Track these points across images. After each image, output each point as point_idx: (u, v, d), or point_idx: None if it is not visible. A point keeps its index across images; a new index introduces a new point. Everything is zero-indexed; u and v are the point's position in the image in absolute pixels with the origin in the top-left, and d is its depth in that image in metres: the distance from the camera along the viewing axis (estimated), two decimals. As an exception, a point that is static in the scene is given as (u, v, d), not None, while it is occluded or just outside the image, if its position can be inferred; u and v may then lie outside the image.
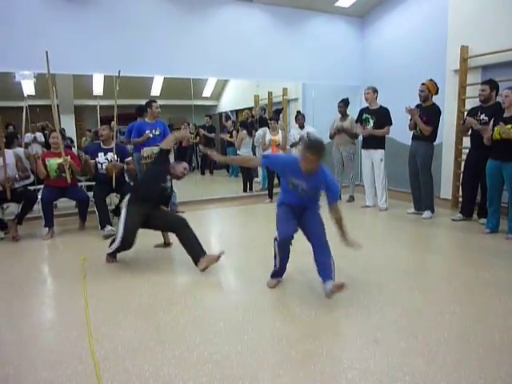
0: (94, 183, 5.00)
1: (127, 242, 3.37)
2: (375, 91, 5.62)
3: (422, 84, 5.04)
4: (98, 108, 6.02)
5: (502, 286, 2.94)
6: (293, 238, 2.76)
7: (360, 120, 5.74)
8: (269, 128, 6.44)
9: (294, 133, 6.52)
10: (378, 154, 5.61)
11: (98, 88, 7.03)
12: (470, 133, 4.76)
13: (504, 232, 4.18)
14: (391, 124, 5.52)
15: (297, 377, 1.90)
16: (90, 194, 4.85)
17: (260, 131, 6.67)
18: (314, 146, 2.61)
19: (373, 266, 3.45)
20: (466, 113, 4.94)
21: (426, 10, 6.25)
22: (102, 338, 2.28)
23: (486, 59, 5.21)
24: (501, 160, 4.05)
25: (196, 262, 3.35)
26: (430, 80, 5.04)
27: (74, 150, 6.58)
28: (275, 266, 2.98)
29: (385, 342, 2.18)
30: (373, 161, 5.69)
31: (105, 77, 6.44)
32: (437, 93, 5.07)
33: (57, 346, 2.26)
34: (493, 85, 4.50)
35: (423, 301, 2.71)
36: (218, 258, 3.30)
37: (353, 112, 6.37)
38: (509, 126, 3.92)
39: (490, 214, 4.33)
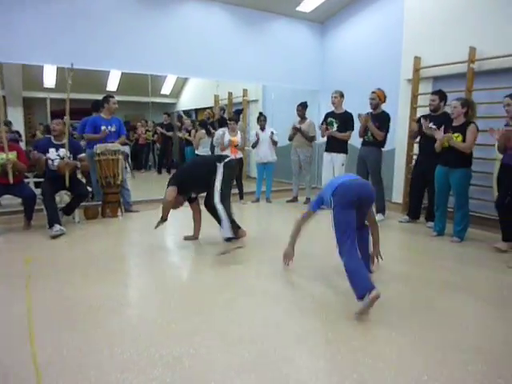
0: (42, 179, 4.75)
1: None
2: (342, 95, 5.72)
3: (373, 92, 5.22)
4: (48, 101, 5.75)
5: (445, 287, 3.08)
6: None
7: (325, 123, 5.81)
8: (228, 128, 6.42)
9: (254, 134, 6.53)
10: (340, 157, 5.71)
11: (49, 80, 6.71)
12: (418, 140, 4.98)
13: (450, 235, 4.40)
14: (353, 129, 5.64)
15: (249, 378, 1.89)
16: (38, 190, 4.61)
17: (220, 131, 6.62)
18: None
19: (321, 267, 3.50)
20: (416, 120, 5.16)
21: (382, 20, 6.48)
22: (45, 343, 2.16)
23: (436, 70, 5.47)
24: (448, 166, 4.25)
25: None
26: (379, 89, 5.26)
27: (22, 144, 6.25)
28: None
29: (335, 342, 2.22)
30: (334, 164, 5.78)
31: (57, 68, 6.16)
32: (384, 100, 5.28)
33: (-5, 352, 2.12)
34: (442, 95, 4.74)
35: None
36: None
37: (311, 115, 6.49)
38: (456, 135, 4.13)
39: (437, 217, 4.54)
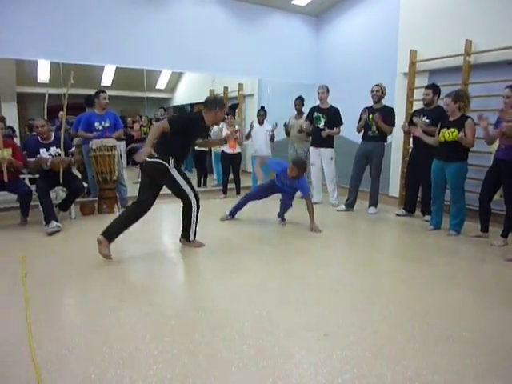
0: (37, 176, 4.71)
1: (198, 198, 3.70)
2: (328, 90, 5.73)
3: (376, 85, 5.23)
4: (47, 97, 5.69)
5: (444, 281, 3.10)
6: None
7: (310, 118, 5.82)
8: (225, 122, 6.39)
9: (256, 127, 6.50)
10: (328, 152, 5.75)
11: (43, 75, 6.63)
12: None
13: (446, 229, 4.42)
14: (342, 123, 5.67)
15: (249, 373, 1.89)
16: (34, 187, 4.57)
17: (216, 126, 6.61)
18: (299, 164, 4.37)
19: (320, 261, 3.52)
20: (403, 116, 5.19)
21: (378, 13, 6.45)
22: (43, 340, 2.16)
23: (432, 64, 5.47)
24: (444, 160, 4.26)
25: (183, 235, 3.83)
26: (378, 84, 5.28)
27: (17, 140, 6.19)
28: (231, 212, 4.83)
29: (334, 336, 2.23)
30: (322, 159, 5.82)
31: (51, 64, 6.08)
32: (384, 95, 5.31)
33: (-7, 350, 2.11)
34: (435, 89, 4.75)
35: (370, 296, 2.80)
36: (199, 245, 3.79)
37: (307, 109, 6.47)
38: (452, 130, 4.14)
39: (434, 211, 4.56)
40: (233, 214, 4.86)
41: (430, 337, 2.24)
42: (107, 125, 5.22)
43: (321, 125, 5.70)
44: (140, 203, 3.52)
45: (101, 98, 5.19)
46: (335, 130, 5.68)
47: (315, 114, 5.76)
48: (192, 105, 9.09)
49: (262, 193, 4.78)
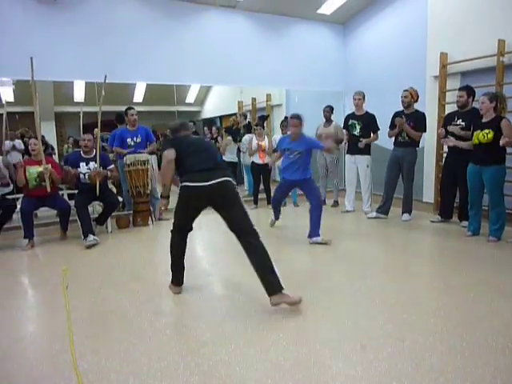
0: (75, 191, 4.90)
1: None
2: (364, 97, 5.66)
3: (405, 90, 5.15)
4: (81, 115, 5.93)
5: (485, 289, 2.98)
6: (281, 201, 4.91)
7: (346, 126, 5.75)
8: (254, 134, 6.45)
9: (277, 138, 6.54)
10: (364, 159, 5.64)
11: (79, 94, 6.92)
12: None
13: (485, 235, 4.25)
14: (379, 129, 5.56)
15: (285, 385, 1.88)
16: (72, 202, 4.76)
17: (246, 137, 6.69)
18: (294, 115, 4.20)
19: (357, 271, 3.46)
20: (436, 120, 5.05)
21: (405, 17, 6.37)
22: (85, 351, 2.23)
23: (464, 65, 5.33)
24: (480, 164, 4.12)
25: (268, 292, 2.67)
26: (411, 87, 5.18)
27: (55, 157, 6.46)
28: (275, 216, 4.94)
29: (372, 348, 2.19)
30: (358, 166, 5.73)
31: (86, 83, 6.35)
32: (417, 100, 5.19)
33: (37, 361, 2.19)
34: (469, 91, 4.60)
35: (408, 305, 2.73)
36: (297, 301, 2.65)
37: (336, 118, 6.43)
38: (486, 131, 4.00)
39: (472, 217, 4.40)
40: (277, 216, 4.97)
41: (474, 348, 2.15)
42: (139, 140, 5.39)
43: (356, 132, 5.63)
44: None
45: (129, 115, 5.37)
46: (372, 136, 5.58)
47: (350, 122, 5.68)
48: (221, 117, 9.23)
49: (281, 191, 4.66)
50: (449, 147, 4.81)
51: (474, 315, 2.56)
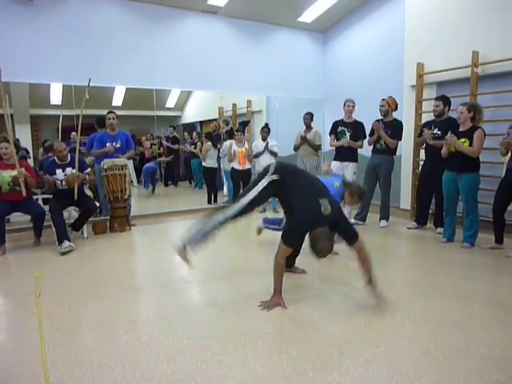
0: (50, 196, 4.79)
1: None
2: (355, 105, 5.63)
3: (383, 99, 5.24)
4: (61, 118, 5.81)
5: (460, 294, 3.04)
6: None
7: (334, 133, 5.75)
8: (234, 140, 6.45)
9: (257, 144, 6.56)
10: (352, 166, 5.63)
11: (56, 97, 6.79)
12: (424, 146, 4.97)
13: (460, 241, 4.35)
14: (366, 137, 5.56)
15: (262, 393, 1.87)
16: (47, 207, 4.64)
17: (227, 143, 6.68)
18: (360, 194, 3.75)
19: (333, 276, 3.48)
20: (412, 128, 5.15)
21: (384, 27, 6.50)
22: (57, 361, 2.16)
23: (440, 76, 5.47)
24: (456, 171, 4.23)
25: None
26: (390, 97, 5.26)
27: (30, 161, 6.31)
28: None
29: (349, 353, 2.20)
30: (345, 173, 5.72)
31: (63, 86, 6.24)
32: (396, 109, 5.29)
33: (7, 371, 2.11)
34: (445, 101, 4.73)
35: (384, 311, 2.75)
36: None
37: (316, 124, 6.50)
38: (463, 140, 4.11)
39: (447, 223, 4.50)
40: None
41: (448, 352, 2.19)
42: (118, 146, 5.32)
43: (346, 138, 5.64)
44: None
45: (106, 119, 5.31)
46: (359, 142, 5.58)
47: (339, 128, 5.65)
48: (201, 122, 9.20)
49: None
50: (426, 155, 4.93)
51: (449, 320, 2.60)
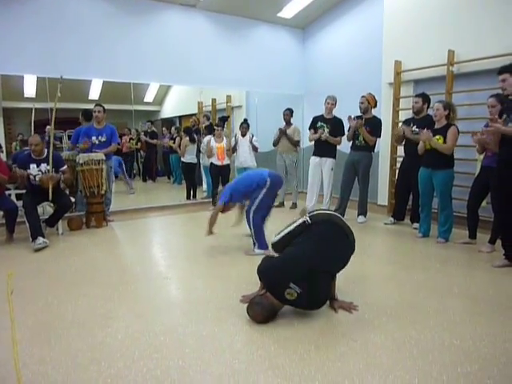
0: (24, 191, 4.65)
1: None
2: (336, 102, 5.64)
3: (362, 96, 5.29)
4: (34, 111, 5.64)
5: (434, 288, 3.11)
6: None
7: (314, 127, 5.77)
8: (213, 135, 6.41)
9: (238, 138, 6.53)
10: (329, 162, 5.66)
11: (29, 90, 6.59)
12: (403, 142, 5.04)
13: (435, 236, 4.45)
14: (344, 134, 5.60)
15: (239, 388, 1.87)
16: (20, 202, 4.51)
17: (207, 137, 6.64)
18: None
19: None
20: (400, 124, 5.21)
21: (362, 25, 6.56)
22: (30, 361, 2.11)
23: (417, 74, 5.56)
24: (431, 168, 4.31)
25: None
26: (369, 93, 5.30)
27: (3, 155, 6.12)
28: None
29: (325, 347, 2.22)
30: (322, 169, 5.75)
31: (37, 78, 6.06)
32: (375, 105, 5.34)
33: (-23, 372, 2.05)
34: (425, 98, 4.82)
35: (361, 304, 2.78)
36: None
37: (295, 120, 6.53)
38: (437, 137, 4.20)
39: (422, 219, 4.59)
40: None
41: (421, 345, 2.23)
42: (103, 139, 5.25)
43: (324, 135, 5.66)
44: None
45: (93, 112, 5.24)
46: (337, 138, 5.60)
47: (319, 124, 5.67)
48: (180, 117, 9.10)
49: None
50: (405, 151, 5.01)
51: (423, 313, 2.66)
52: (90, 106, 5.42)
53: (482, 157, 4.16)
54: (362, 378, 1.93)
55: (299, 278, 2.42)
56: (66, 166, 4.75)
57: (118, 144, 5.98)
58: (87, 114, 5.53)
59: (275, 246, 2.92)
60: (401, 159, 5.28)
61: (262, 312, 2.47)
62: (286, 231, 2.81)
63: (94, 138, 5.20)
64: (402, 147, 5.14)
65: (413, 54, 5.59)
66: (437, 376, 1.95)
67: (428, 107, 4.84)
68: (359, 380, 1.91)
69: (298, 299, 2.43)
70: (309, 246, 2.62)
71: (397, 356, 2.13)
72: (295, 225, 2.79)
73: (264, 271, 2.62)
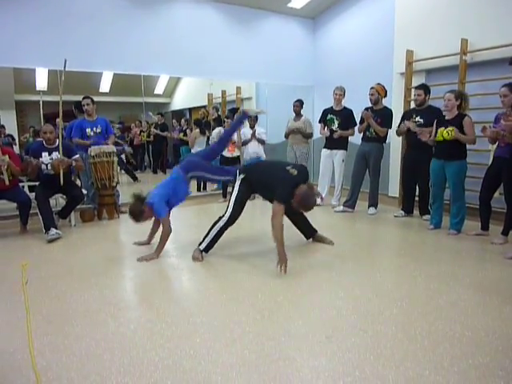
0: (37, 183, 4.71)
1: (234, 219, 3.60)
2: (345, 92, 5.63)
3: (371, 88, 5.23)
4: (41, 104, 5.68)
5: (445, 280, 3.09)
6: None
7: (324, 120, 5.76)
8: (223, 127, 6.40)
9: (245, 131, 6.52)
10: (340, 154, 5.67)
11: (41, 83, 6.64)
12: (405, 135, 5.00)
13: (446, 228, 4.40)
14: (356, 125, 5.57)
15: (251, 378, 1.88)
16: (33, 194, 4.57)
17: (216, 130, 6.64)
18: None
19: (321, 262, 3.51)
20: (401, 116, 5.16)
21: (373, 14, 6.46)
22: (44, 349, 2.15)
23: (429, 63, 5.47)
24: (444, 159, 4.26)
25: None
26: (378, 84, 5.24)
27: (16, 147, 6.20)
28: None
29: (336, 339, 2.22)
30: (334, 161, 5.75)
31: (49, 71, 6.10)
32: (385, 95, 5.28)
33: (-6, 359, 2.10)
34: (426, 89, 4.76)
35: (372, 296, 2.78)
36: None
37: (306, 111, 6.48)
38: (450, 129, 4.13)
39: (434, 210, 4.55)
40: None
41: (433, 337, 2.23)
42: (99, 130, 5.27)
43: (334, 126, 5.62)
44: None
45: (82, 105, 5.23)
46: (349, 131, 5.59)
47: (329, 116, 5.66)
48: (190, 109, 9.11)
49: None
50: (408, 143, 4.96)
51: (434, 305, 2.64)
52: (101, 99, 5.45)
53: (494, 147, 4.10)
54: (372, 369, 1.93)
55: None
56: (78, 155, 4.77)
57: (115, 135, 6.02)
58: (80, 107, 5.55)
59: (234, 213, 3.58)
60: (404, 151, 5.23)
61: (312, 194, 3.27)
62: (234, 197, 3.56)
63: (88, 129, 5.21)
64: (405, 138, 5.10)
65: (425, 43, 5.49)
66: (448, 367, 1.94)
67: (428, 98, 4.78)
68: (370, 371, 1.92)
69: (300, 172, 3.36)
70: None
71: (407, 348, 2.12)
72: (238, 188, 3.57)
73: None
